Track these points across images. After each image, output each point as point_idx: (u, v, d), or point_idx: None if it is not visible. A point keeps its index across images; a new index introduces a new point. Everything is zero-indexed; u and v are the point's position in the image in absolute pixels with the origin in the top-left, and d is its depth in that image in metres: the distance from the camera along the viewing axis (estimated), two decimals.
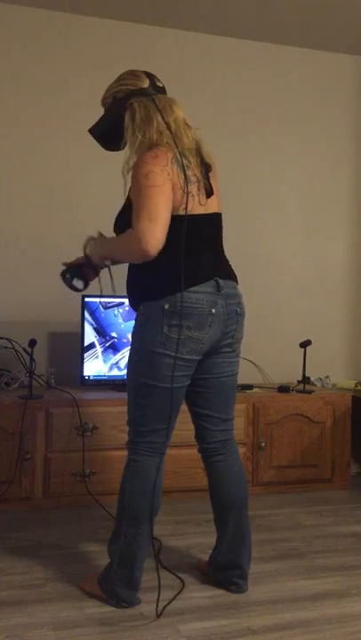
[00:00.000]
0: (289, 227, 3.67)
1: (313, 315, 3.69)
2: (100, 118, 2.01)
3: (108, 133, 1.97)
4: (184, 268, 1.81)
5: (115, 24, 3.38)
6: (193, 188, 1.86)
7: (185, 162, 1.84)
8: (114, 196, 3.28)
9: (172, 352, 1.82)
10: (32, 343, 2.85)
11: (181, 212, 1.84)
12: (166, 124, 1.84)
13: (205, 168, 1.91)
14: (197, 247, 1.87)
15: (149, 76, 1.95)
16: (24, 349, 3.01)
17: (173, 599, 1.95)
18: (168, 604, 1.92)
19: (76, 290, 2.07)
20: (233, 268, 2.00)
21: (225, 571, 2.04)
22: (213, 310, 1.85)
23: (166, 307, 1.82)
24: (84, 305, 3.06)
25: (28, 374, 2.93)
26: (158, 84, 1.95)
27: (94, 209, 3.33)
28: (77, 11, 3.29)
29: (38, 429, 2.77)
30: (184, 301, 1.81)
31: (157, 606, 1.88)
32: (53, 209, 3.31)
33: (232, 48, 3.56)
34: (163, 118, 1.85)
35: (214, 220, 1.95)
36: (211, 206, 1.93)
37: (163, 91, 1.95)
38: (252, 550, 2.06)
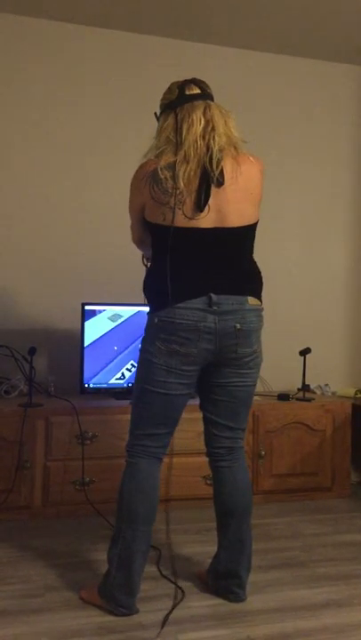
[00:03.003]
0: (289, 235, 3.69)
1: (313, 323, 3.69)
2: None
3: None
4: (172, 284, 1.87)
5: (118, 34, 3.40)
6: (170, 200, 1.85)
7: (165, 174, 1.85)
8: (114, 205, 3.31)
9: (163, 363, 1.89)
10: (32, 351, 2.85)
11: (160, 222, 1.90)
12: (177, 131, 1.87)
13: (206, 181, 1.84)
14: (184, 262, 1.88)
15: (182, 85, 1.93)
16: (24, 357, 3.01)
17: (173, 609, 1.94)
18: (169, 613, 1.91)
19: None
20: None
21: (224, 579, 2.04)
22: (200, 326, 1.86)
23: (156, 321, 1.90)
24: (84, 312, 3.07)
25: (27, 382, 2.92)
26: (190, 91, 1.92)
27: (95, 217, 3.35)
28: (79, 21, 3.31)
29: (38, 438, 2.76)
30: (170, 317, 1.86)
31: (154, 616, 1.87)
32: (53, 217, 3.32)
33: (232, 58, 3.58)
34: (176, 127, 1.87)
35: (210, 234, 1.87)
36: (207, 221, 1.86)
37: (195, 97, 1.91)
38: (252, 560, 2.05)
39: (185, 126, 1.86)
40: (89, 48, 3.38)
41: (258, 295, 1.96)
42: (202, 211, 1.85)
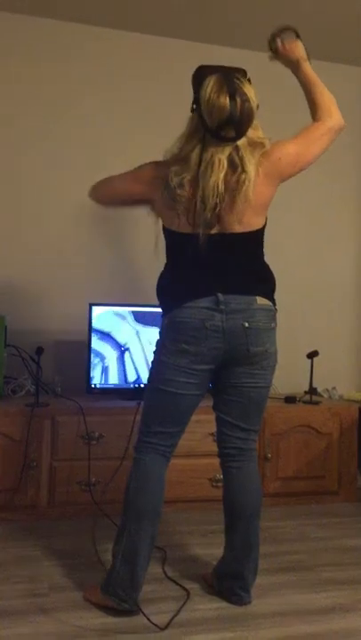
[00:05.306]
0: (296, 238, 3.68)
1: (320, 326, 3.68)
2: None
3: None
4: (180, 285, 1.93)
5: (125, 34, 3.41)
6: (180, 207, 1.88)
7: (174, 182, 1.86)
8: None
9: (173, 362, 1.93)
10: (39, 351, 2.85)
11: (169, 227, 1.95)
12: (200, 161, 1.84)
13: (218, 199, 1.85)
14: (193, 264, 1.91)
15: (219, 127, 1.80)
16: (31, 357, 3.01)
17: (180, 610, 1.94)
18: (175, 615, 1.91)
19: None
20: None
21: (228, 580, 2.04)
22: (207, 324, 1.88)
23: (166, 321, 1.96)
24: (91, 313, 3.07)
25: (34, 382, 2.92)
26: (226, 133, 1.81)
27: (103, 216, 3.35)
28: (87, 21, 3.32)
29: (44, 437, 2.76)
30: (179, 317, 1.91)
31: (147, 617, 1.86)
32: (61, 216, 3.33)
33: (233, 58, 3.52)
34: (198, 161, 1.84)
35: (214, 240, 1.90)
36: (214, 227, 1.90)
37: (228, 140, 1.83)
38: (258, 563, 2.04)
39: (208, 170, 1.83)
40: (93, 48, 3.38)
41: (268, 296, 1.98)
42: (210, 229, 1.89)
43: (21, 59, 3.29)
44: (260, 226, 1.97)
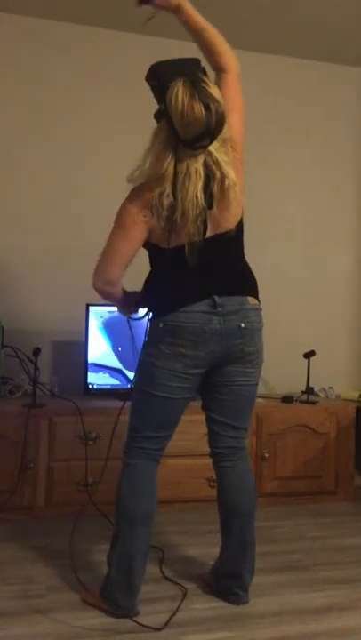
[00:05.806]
0: (292, 238, 3.67)
1: (317, 325, 3.68)
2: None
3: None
4: (175, 290, 1.90)
5: (117, 35, 3.41)
6: (168, 225, 1.83)
7: (163, 204, 1.81)
8: (119, 204, 3.31)
9: (166, 367, 1.90)
10: (36, 352, 2.85)
11: (163, 245, 1.88)
12: (175, 174, 1.79)
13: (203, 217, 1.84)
14: (186, 270, 1.88)
15: (196, 138, 1.75)
16: (28, 358, 3.01)
17: (177, 610, 1.94)
18: (173, 615, 1.91)
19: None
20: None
21: (225, 579, 2.04)
22: (206, 328, 1.88)
23: (161, 325, 1.91)
24: (89, 314, 3.07)
25: (31, 383, 2.92)
26: (200, 142, 1.76)
27: (100, 218, 3.34)
28: (81, 21, 3.32)
29: (41, 438, 2.76)
30: (175, 321, 1.88)
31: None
32: (58, 218, 3.33)
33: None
34: (175, 172, 1.79)
35: (208, 243, 1.88)
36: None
37: (201, 148, 1.78)
38: (255, 562, 2.04)
39: (185, 182, 1.80)
40: (93, 48, 3.39)
41: (256, 295, 1.99)
42: (203, 238, 1.87)
43: (22, 58, 3.29)
44: (242, 211, 1.97)
